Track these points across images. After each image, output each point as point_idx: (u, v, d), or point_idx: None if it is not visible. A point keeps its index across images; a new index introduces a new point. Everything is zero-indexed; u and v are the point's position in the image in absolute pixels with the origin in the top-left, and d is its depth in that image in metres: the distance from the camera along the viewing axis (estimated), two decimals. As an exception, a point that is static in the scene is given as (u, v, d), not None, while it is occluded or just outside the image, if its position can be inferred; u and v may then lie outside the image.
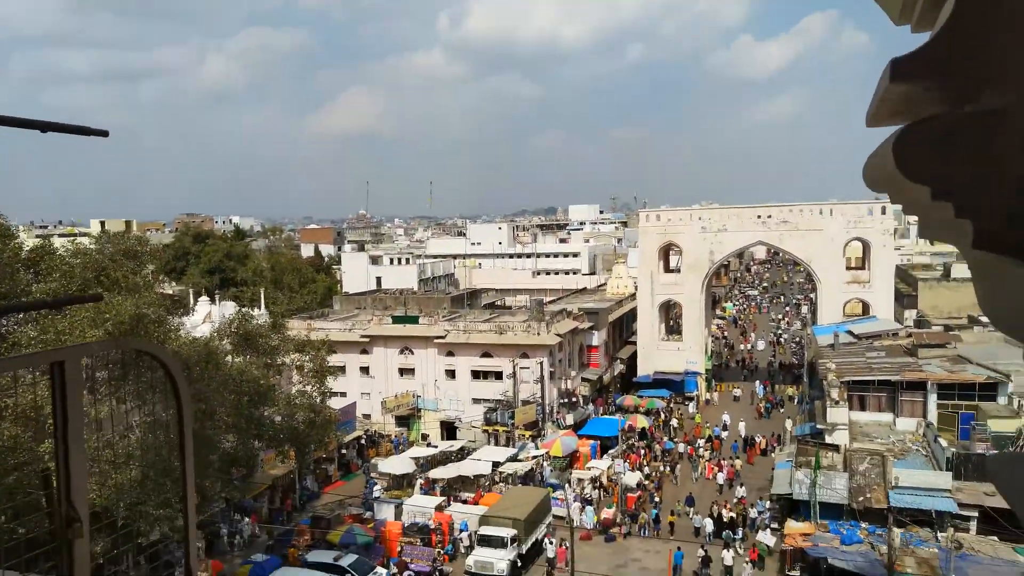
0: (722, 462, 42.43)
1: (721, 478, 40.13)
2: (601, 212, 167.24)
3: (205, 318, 45.31)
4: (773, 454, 42.38)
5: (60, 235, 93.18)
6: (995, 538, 27.40)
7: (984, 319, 54.51)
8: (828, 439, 35.41)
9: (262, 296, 59.14)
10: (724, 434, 48.28)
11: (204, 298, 53.34)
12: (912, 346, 42.41)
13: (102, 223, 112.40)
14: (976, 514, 28.46)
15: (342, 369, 50.29)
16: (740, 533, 33.14)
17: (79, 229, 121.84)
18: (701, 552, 30.70)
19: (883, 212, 54.58)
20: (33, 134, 2.36)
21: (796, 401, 53.63)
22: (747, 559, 30.31)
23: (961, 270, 63.36)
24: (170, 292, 65.84)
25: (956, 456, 30.88)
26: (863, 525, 28.91)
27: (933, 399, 36.80)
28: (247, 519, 34.76)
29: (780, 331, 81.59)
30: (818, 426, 37.99)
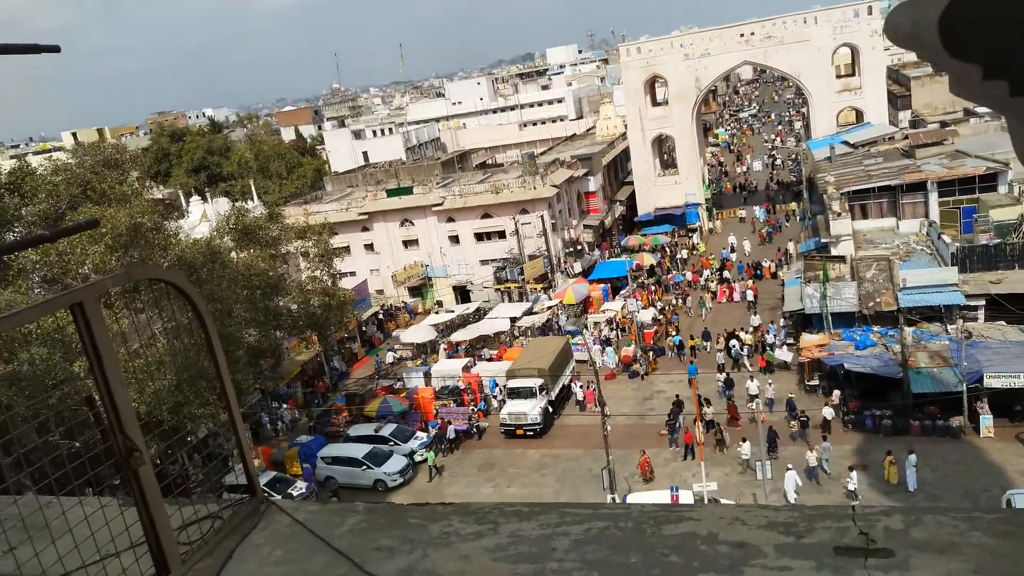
0: (733, 284, 43.32)
1: (749, 295, 41.07)
2: (580, 52, 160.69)
3: (201, 218, 45.05)
4: (781, 272, 43.10)
5: (35, 153, 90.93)
6: (1003, 322, 28.39)
7: (981, 110, 53.95)
8: (833, 251, 35.94)
9: (253, 188, 58.51)
10: (732, 256, 48.98)
11: (196, 198, 52.79)
12: (909, 147, 42.13)
13: (74, 135, 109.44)
14: (983, 303, 29.33)
15: (347, 249, 50.47)
16: (746, 351, 34.36)
17: (52, 144, 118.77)
18: (722, 376, 31.88)
19: (869, 13, 52.57)
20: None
21: (799, 218, 53.95)
22: (769, 380, 31.22)
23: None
24: (160, 197, 65.16)
25: (960, 250, 31.38)
26: (875, 329, 29.86)
27: (934, 198, 36.97)
28: (284, 406, 36.09)
29: (775, 150, 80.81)
30: (822, 240, 38.46)
